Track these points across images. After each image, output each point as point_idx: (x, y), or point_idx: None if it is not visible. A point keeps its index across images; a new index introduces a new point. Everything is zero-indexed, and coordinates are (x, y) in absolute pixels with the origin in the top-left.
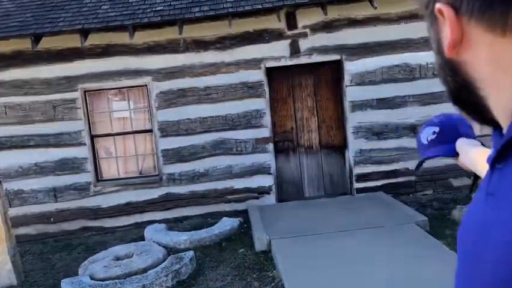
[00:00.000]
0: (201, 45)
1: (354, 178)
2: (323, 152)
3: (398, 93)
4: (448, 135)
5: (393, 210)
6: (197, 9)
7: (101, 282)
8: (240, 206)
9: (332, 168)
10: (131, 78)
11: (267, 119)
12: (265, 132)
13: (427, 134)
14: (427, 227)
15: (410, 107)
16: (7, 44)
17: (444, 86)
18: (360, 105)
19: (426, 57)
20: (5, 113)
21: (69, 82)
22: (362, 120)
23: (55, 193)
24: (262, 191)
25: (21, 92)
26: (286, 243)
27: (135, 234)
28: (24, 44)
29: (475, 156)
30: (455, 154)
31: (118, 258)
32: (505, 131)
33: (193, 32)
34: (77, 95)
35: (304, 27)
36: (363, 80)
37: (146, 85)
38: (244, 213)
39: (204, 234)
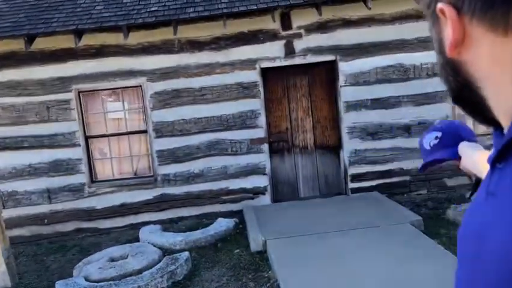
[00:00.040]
0: (195, 45)
1: (349, 178)
2: (317, 152)
3: (392, 93)
4: (450, 140)
5: (388, 210)
6: (191, 9)
7: (96, 284)
8: (235, 207)
9: (326, 168)
10: (126, 78)
11: (262, 120)
12: (260, 133)
13: (429, 140)
14: (422, 226)
15: (404, 107)
16: (0, 45)
17: (446, 86)
18: (355, 106)
19: (420, 58)
20: None
21: (63, 83)
22: (357, 120)
23: (49, 194)
24: (257, 192)
25: (15, 93)
26: (281, 243)
27: (130, 235)
28: (18, 45)
29: (477, 158)
30: (458, 157)
31: (112, 260)
32: (505, 131)
33: (187, 32)
34: (71, 95)
35: (299, 27)
36: (357, 80)
37: (140, 86)
38: (239, 214)
39: (199, 235)
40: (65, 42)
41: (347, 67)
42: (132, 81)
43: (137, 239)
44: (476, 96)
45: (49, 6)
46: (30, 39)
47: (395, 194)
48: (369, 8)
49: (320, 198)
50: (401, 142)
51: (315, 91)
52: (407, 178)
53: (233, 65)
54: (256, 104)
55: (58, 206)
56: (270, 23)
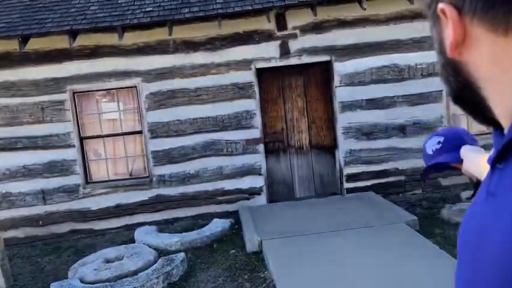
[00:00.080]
0: (190, 46)
1: (344, 178)
2: (313, 153)
3: (387, 93)
4: (452, 144)
5: (383, 210)
6: (187, 10)
7: (91, 286)
8: (230, 207)
9: (322, 168)
10: (121, 79)
11: (257, 120)
12: (255, 133)
13: (432, 145)
14: (417, 226)
15: (399, 107)
16: None
17: (446, 86)
18: (350, 106)
19: (415, 58)
20: None
21: (57, 83)
22: (352, 120)
23: (44, 195)
24: (253, 192)
25: (9, 94)
26: (277, 243)
27: (125, 236)
28: (12, 45)
29: (479, 161)
30: (460, 160)
31: (108, 261)
32: (506, 131)
33: (183, 32)
34: (65, 96)
35: (294, 28)
36: (352, 80)
37: (135, 86)
38: (235, 214)
39: (195, 235)
40: (60, 42)
41: (342, 67)
42: (127, 82)
43: (132, 240)
44: (477, 96)
45: (43, 7)
46: (24, 39)
47: (390, 194)
48: (364, 9)
49: (315, 198)
50: (396, 142)
51: (311, 91)
52: (402, 178)
53: (228, 66)
54: (251, 105)
55: (53, 207)
56: (265, 24)
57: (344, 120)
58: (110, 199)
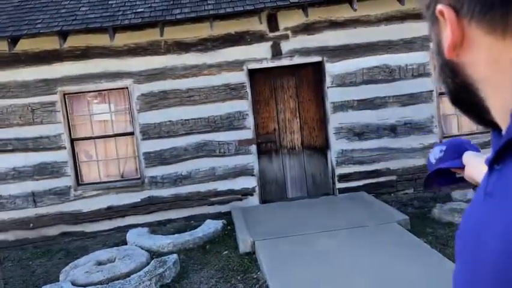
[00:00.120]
0: (182, 47)
1: (336, 178)
2: (305, 153)
3: (378, 94)
4: (455, 152)
5: (375, 210)
6: (178, 11)
7: None
8: (223, 208)
9: (314, 169)
10: (112, 80)
11: (249, 121)
12: (248, 134)
13: (435, 154)
14: (408, 225)
15: (390, 108)
16: None
17: (444, 87)
18: (342, 106)
19: (405, 59)
20: None
21: (48, 85)
22: (343, 121)
23: (34, 198)
24: (245, 193)
25: None
26: (270, 244)
27: (117, 238)
28: (1, 46)
29: (482, 166)
30: (462, 166)
31: (100, 263)
32: (503, 132)
33: (174, 33)
34: (56, 98)
35: (286, 29)
36: (344, 81)
37: (127, 87)
38: (227, 215)
39: (187, 237)
40: (50, 43)
41: (333, 68)
42: (118, 83)
43: (124, 242)
44: (474, 97)
45: (33, 8)
46: (13, 40)
47: (382, 194)
48: (355, 10)
49: (307, 198)
50: (387, 142)
51: (302, 92)
52: (394, 178)
53: (220, 67)
54: (243, 105)
55: (43, 210)
56: (257, 25)
57: (335, 120)
58: (101, 201)
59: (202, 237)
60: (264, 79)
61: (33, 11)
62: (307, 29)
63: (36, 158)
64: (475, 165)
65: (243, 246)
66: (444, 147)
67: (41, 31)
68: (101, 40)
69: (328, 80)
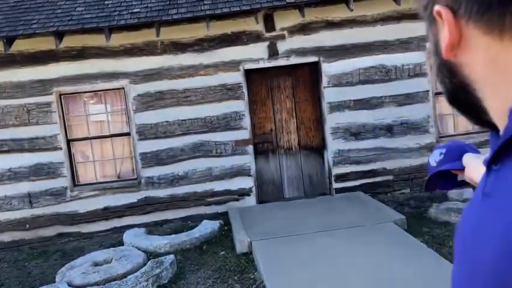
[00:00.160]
0: (178, 47)
1: (333, 178)
2: (302, 153)
3: (375, 94)
4: (454, 154)
5: (371, 210)
6: (174, 11)
7: None
8: (220, 209)
9: (311, 169)
10: (108, 81)
11: (246, 121)
12: (244, 134)
13: (435, 157)
14: (405, 225)
15: (386, 108)
16: None
17: (442, 87)
18: (338, 106)
19: (401, 59)
20: None
21: (43, 85)
22: (340, 121)
23: (30, 199)
24: (242, 193)
25: None
26: (267, 244)
27: (114, 239)
28: None
29: (481, 168)
30: (462, 168)
31: (96, 264)
32: (501, 132)
33: (170, 34)
34: (52, 98)
35: (282, 29)
36: (340, 81)
37: (123, 88)
38: (224, 216)
39: (184, 237)
40: (46, 44)
41: (329, 68)
42: (114, 84)
43: (121, 243)
44: (472, 97)
45: (29, 8)
46: (9, 41)
47: (379, 194)
48: (351, 10)
49: (304, 198)
50: (383, 142)
51: (299, 92)
52: (390, 177)
53: (217, 67)
54: (240, 106)
55: (40, 211)
56: (254, 25)
57: (332, 120)
58: (98, 202)
59: (199, 237)
60: (261, 79)
61: (28, 11)
62: (304, 29)
63: (32, 158)
64: (475, 167)
65: (240, 247)
66: (444, 150)
67: (36, 31)
68: (97, 40)
69: (324, 80)
